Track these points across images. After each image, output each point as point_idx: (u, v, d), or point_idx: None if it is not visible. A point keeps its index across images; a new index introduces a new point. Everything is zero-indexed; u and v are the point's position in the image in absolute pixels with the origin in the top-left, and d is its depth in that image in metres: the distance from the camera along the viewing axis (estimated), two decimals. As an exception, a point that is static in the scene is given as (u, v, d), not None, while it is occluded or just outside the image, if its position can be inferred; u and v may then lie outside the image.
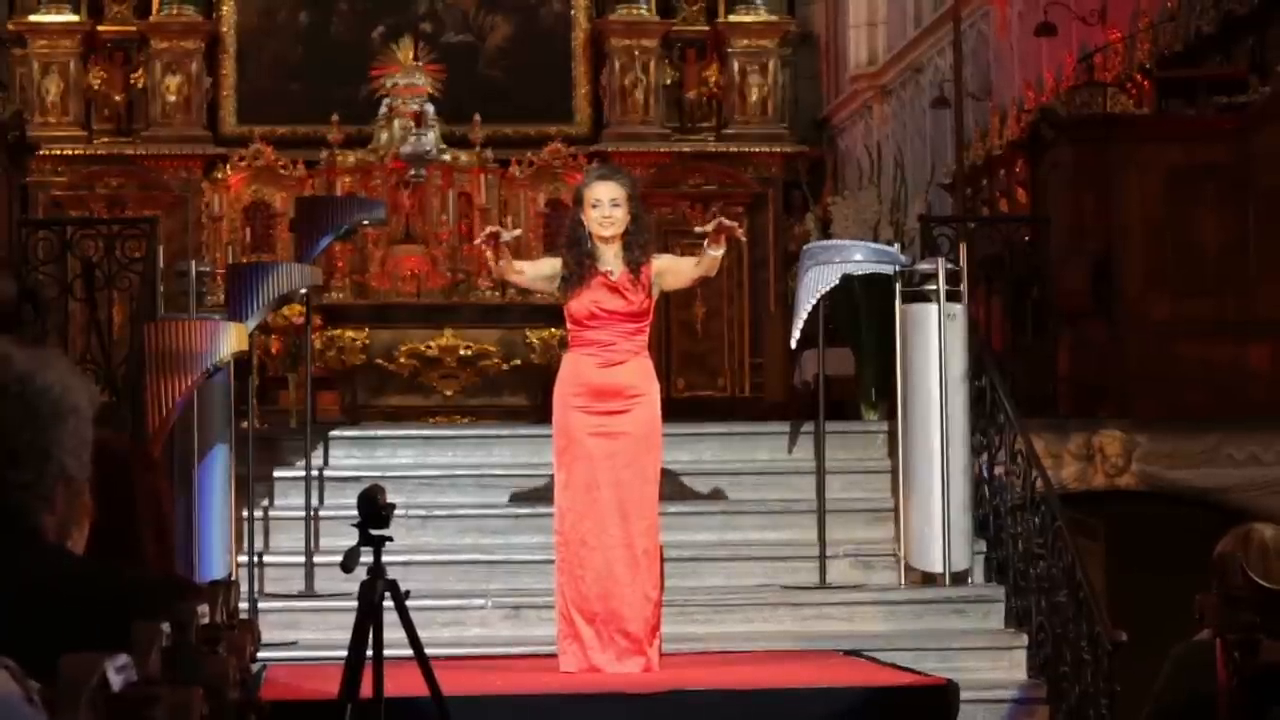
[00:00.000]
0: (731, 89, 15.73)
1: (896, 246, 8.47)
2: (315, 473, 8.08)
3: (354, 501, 5.51)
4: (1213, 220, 8.90)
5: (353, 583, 5.58)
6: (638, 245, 7.19)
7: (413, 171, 13.49)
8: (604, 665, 6.93)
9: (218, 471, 7.48)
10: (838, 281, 7.99)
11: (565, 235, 7.27)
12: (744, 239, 7.69)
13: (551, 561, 7.84)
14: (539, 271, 7.25)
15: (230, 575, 7.30)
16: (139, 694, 2.30)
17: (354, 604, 5.52)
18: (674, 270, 7.30)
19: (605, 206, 7.11)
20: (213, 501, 7.43)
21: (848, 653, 7.27)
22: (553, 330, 12.92)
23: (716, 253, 7.16)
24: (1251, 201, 8.88)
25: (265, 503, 8.08)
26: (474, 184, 13.91)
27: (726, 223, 7.15)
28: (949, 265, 8.02)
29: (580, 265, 7.08)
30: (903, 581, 7.90)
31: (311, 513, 7.84)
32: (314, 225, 8.30)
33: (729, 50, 15.77)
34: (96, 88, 15.44)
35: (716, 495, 8.34)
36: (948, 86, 12.55)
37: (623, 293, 7.10)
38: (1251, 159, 8.88)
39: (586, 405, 7.06)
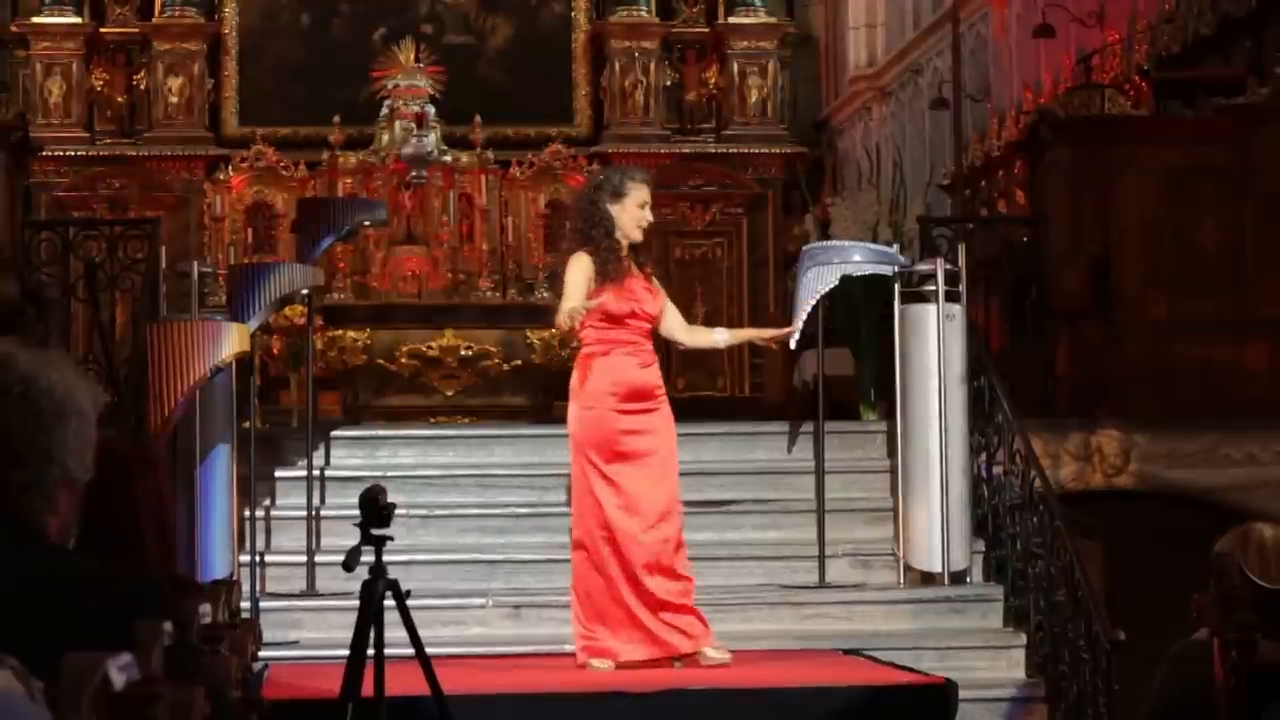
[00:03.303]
0: (731, 90, 15.72)
1: (896, 247, 8.49)
2: (317, 472, 8.10)
3: (355, 501, 5.53)
4: (1211, 221, 8.92)
5: (354, 582, 5.60)
6: (643, 248, 7.27)
7: (414, 173, 13.49)
8: (643, 655, 6.95)
9: (220, 471, 7.50)
10: (837, 282, 8.00)
11: (598, 228, 7.13)
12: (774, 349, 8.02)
13: (553, 561, 7.87)
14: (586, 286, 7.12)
15: (232, 575, 7.32)
16: (141, 693, 2.31)
17: (355, 603, 5.54)
18: (665, 310, 7.33)
19: (648, 210, 7.16)
20: (215, 501, 7.45)
21: (847, 652, 7.29)
22: (553, 330, 12.93)
23: (725, 343, 7.58)
24: (1249, 202, 8.90)
25: (267, 502, 8.10)
26: (475, 185, 13.91)
27: (779, 341, 7.75)
28: (948, 266, 8.04)
29: (620, 262, 7.09)
30: (902, 581, 7.92)
31: (313, 512, 7.86)
32: (315, 226, 8.31)
33: (729, 52, 15.77)
34: (99, 89, 15.44)
35: (717, 495, 8.35)
36: (946, 88, 12.56)
37: (654, 293, 7.16)
38: (1249, 160, 8.90)
39: (625, 405, 7.05)
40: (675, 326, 7.31)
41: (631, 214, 7.12)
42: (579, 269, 7.10)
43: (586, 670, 6.96)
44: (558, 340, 12.80)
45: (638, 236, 7.16)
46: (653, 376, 7.14)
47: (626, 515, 6.99)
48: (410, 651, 5.47)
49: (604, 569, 7.00)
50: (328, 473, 8.25)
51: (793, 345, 8.47)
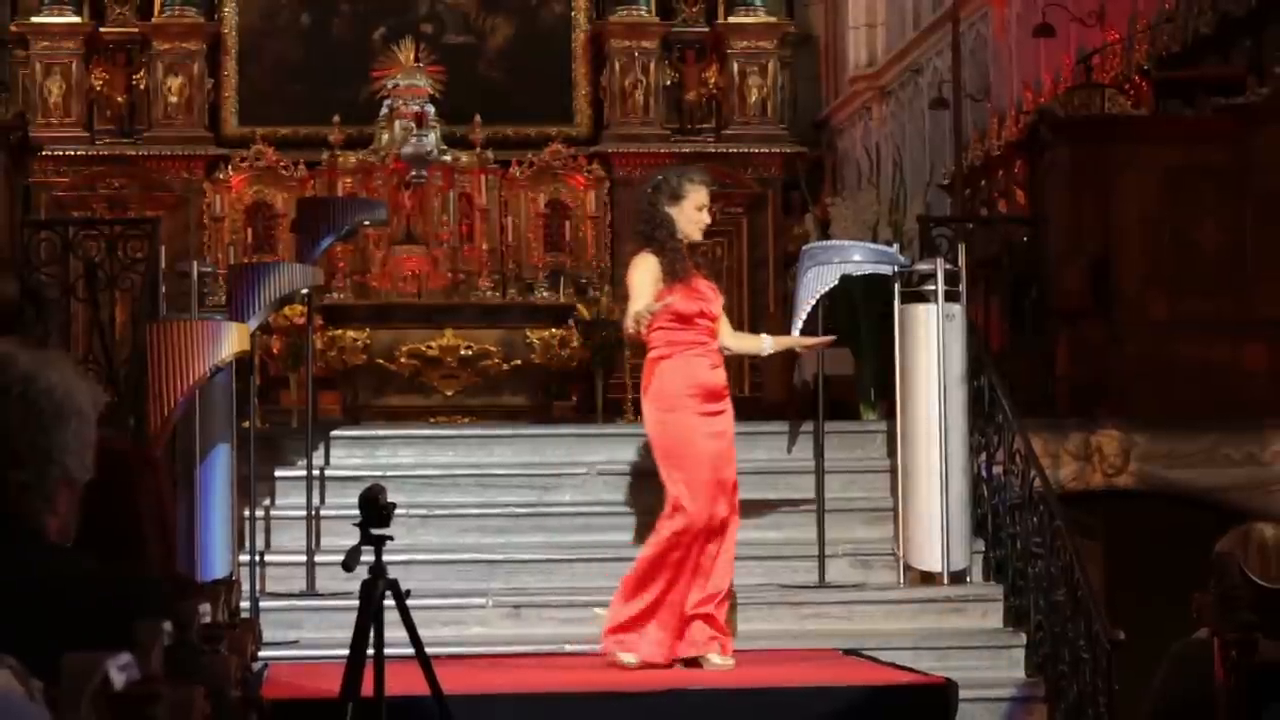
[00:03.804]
0: (731, 90, 15.73)
1: (895, 247, 8.48)
2: (316, 472, 8.09)
3: (355, 501, 5.53)
4: (1210, 220, 8.91)
5: (354, 582, 5.60)
6: (698, 251, 7.25)
7: (413, 172, 13.50)
8: (660, 659, 6.97)
9: (219, 471, 7.50)
10: (837, 282, 7.99)
11: (660, 229, 7.08)
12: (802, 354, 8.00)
13: (553, 560, 7.87)
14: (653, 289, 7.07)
15: (232, 574, 7.31)
16: (141, 693, 2.31)
17: (355, 603, 5.53)
18: None
19: (706, 211, 7.13)
20: (214, 501, 7.44)
21: (847, 652, 7.29)
22: (553, 330, 12.94)
23: (770, 351, 7.57)
24: (1249, 202, 8.89)
25: (267, 502, 8.09)
26: (474, 185, 13.93)
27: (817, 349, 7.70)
28: (948, 266, 8.04)
29: (685, 262, 7.06)
30: (902, 581, 7.91)
31: (313, 512, 7.85)
32: (315, 226, 8.31)
33: (728, 51, 15.77)
34: (98, 89, 15.45)
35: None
36: (946, 87, 12.56)
37: (717, 293, 7.17)
38: (1249, 160, 8.89)
39: (700, 406, 7.03)
40: (724, 331, 7.27)
41: (690, 215, 7.09)
42: (646, 270, 7.06)
43: (606, 664, 6.94)
44: (558, 340, 12.81)
45: (697, 237, 7.15)
46: (721, 377, 7.15)
47: (700, 524, 6.97)
48: (410, 651, 5.47)
49: (668, 573, 6.98)
50: (327, 472, 8.24)
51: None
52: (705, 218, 7.15)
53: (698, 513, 6.96)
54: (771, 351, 7.73)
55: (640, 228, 7.20)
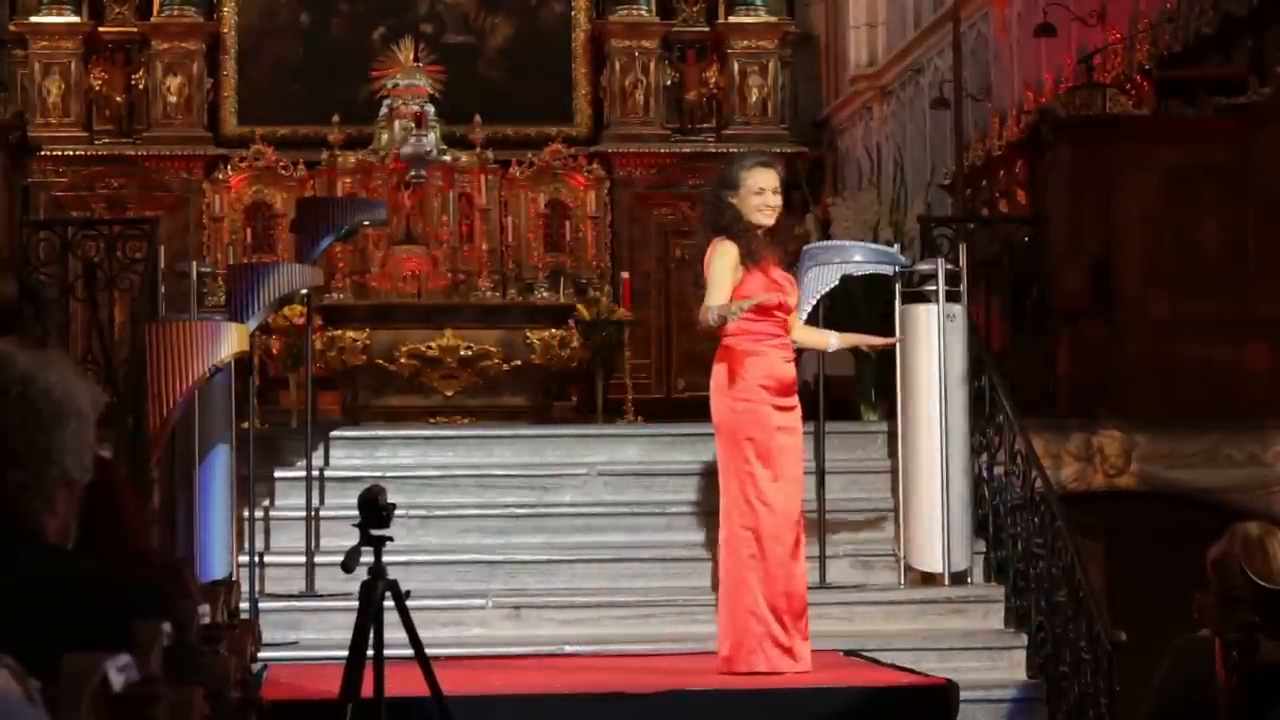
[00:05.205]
0: (731, 90, 15.73)
1: (896, 247, 8.48)
2: (316, 473, 8.08)
3: (355, 501, 5.52)
4: (1212, 220, 8.90)
5: (353, 583, 5.59)
6: (789, 237, 7.20)
7: (413, 172, 13.49)
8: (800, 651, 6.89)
9: (219, 471, 7.49)
10: (838, 282, 7.98)
11: (727, 220, 7.01)
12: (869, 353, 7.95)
13: (553, 561, 7.87)
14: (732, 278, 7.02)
15: (231, 575, 7.31)
16: (140, 693, 2.31)
17: (355, 604, 5.53)
18: None
19: (769, 194, 7.07)
20: (214, 501, 7.44)
21: (848, 653, 7.28)
22: (553, 330, 12.93)
23: (835, 347, 7.48)
24: (1250, 201, 8.89)
25: (266, 503, 8.09)
26: (474, 185, 13.93)
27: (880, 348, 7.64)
28: (948, 266, 8.03)
29: (760, 241, 7.00)
30: (902, 581, 7.90)
31: (312, 513, 7.85)
32: (315, 226, 8.30)
33: (729, 51, 15.77)
34: (97, 88, 15.45)
35: (717, 495, 8.32)
36: (947, 87, 12.55)
37: (792, 284, 7.12)
38: (1250, 159, 8.89)
39: (774, 400, 6.99)
40: (793, 324, 7.23)
41: (750, 201, 7.02)
42: (723, 257, 6.97)
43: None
44: (558, 340, 12.79)
45: (765, 221, 7.04)
46: (793, 371, 7.10)
47: (782, 511, 6.93)
48: (410, 652, 5.46)
49: (752, 569, 6.91)
50: (327, 473, 8.24)
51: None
52: (769, 199, 7.05)
53: (777, 503, 6.91)
54: (837, 348, 7.62)
55: (710, 219, 7.11)
